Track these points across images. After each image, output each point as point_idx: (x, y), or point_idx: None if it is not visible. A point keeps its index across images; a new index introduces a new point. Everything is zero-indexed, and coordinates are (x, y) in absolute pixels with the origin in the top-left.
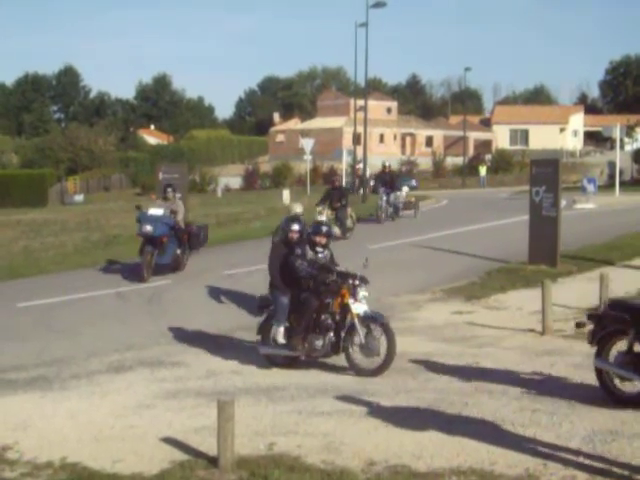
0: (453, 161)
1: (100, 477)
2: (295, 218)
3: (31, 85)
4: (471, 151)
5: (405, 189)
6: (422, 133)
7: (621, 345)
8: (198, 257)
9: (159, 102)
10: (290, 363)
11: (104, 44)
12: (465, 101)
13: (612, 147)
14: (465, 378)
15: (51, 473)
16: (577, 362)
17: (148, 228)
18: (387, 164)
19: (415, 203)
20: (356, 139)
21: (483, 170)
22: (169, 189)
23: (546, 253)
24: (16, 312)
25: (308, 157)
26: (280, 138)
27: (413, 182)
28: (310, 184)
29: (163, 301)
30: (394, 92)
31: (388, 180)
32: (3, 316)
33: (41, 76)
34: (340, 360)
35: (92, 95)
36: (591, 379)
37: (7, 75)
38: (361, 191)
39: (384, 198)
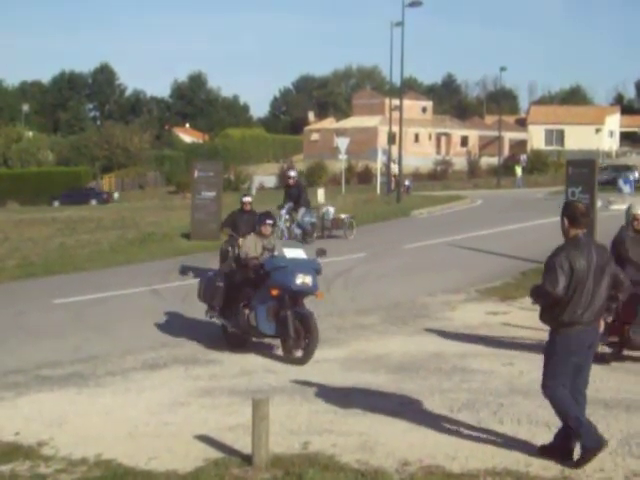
0: (488, 161)
1: (135, 474)
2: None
3: (67, 83)
4: (506, 151)
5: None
6: (457, 133)
7: None
8: None
9: (194, 100)
10: None
11: (139, 43)
12: (500, 101)
13: None
14: (500, 379)
15: (86, 469)
16: (615, 364)
17: (307, 281)
18: (293, 174)
19: (347, 221)
20: (391, 138)
21: (519, 170)
22: (269, 220)
23: None
24: (52, 309)
25: (343, 156)
26: (315, 137)
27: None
28: (345, 183)
29: (197, 299)
30: (429, 91)
31: (295, 194)
32: (39, 313)
33: (77, 74)
34: (375, 361)
35: (127, 93)
36: (628, 381)
37: (44, 73)
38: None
39: (285, 217)
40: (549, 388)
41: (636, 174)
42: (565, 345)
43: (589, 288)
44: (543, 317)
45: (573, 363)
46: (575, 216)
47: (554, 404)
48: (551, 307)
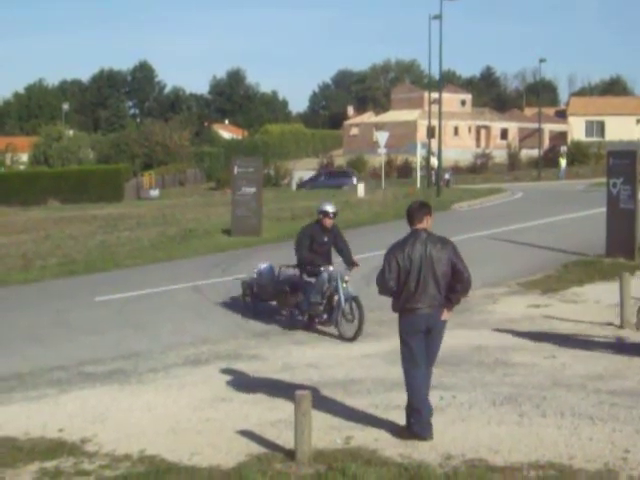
0: (528, 153)
1: (178, 469)
2: None
3: (107, 81)
4: (546, 143)
5: None
6: (497, 125)
7: None
8: (271, 251)
9: (233, 97)
10: None
11: (178, 40)
12: (540, 93)
13: None
14: (543, 372)
15: (129, 465)
16: None
17: None
18: (334, 211)
19: None
20: (430, 132)
21: (563, 162)
22: None
23: (624, 246)
24: (94, 306)
25: (382, 150)
26: (354, 132)
27: None
28: (385, 177)
29: (239, 295)
30: (468, 84)
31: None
32: (81, 310)
33: (116, 72)
34: None
35: (167, 90)
36: None
37: (83, 72)
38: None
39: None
40: (404, 368)
41: (354, 180)
42: (405, 329)
43: (419, 278)
44: (392, 306)
45: (418, 343)
46: (408, 214)
47: (407, 382)
48: (393, 297)
